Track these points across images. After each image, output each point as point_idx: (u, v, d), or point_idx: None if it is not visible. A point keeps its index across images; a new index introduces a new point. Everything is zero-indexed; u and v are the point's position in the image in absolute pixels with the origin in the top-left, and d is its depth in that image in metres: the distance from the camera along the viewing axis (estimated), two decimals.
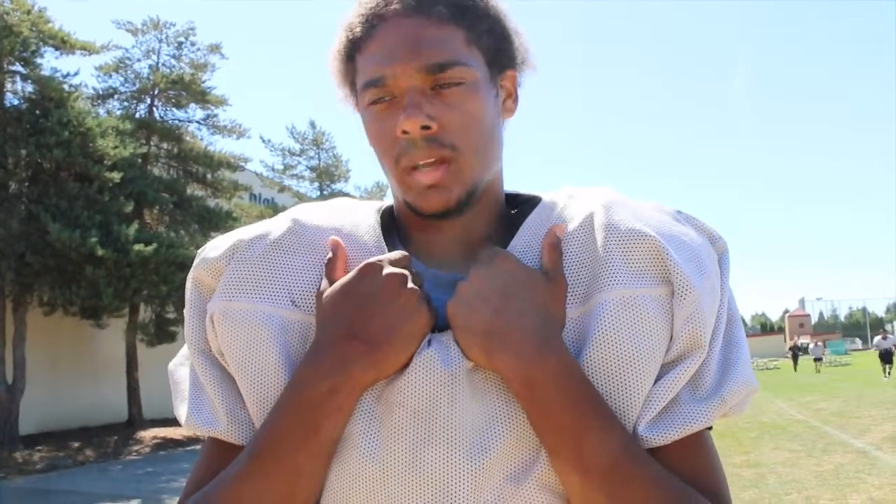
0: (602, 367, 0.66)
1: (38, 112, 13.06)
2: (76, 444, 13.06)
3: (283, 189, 22.89)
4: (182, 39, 17.65)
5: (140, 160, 15.91)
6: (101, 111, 16.27)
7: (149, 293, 14.31)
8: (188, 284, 0.77)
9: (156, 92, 17.37)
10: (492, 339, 0.64)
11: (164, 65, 17.54)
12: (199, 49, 17.85)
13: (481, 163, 0.73)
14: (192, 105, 17.92)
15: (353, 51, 0.74)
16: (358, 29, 0.73)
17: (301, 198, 22.36)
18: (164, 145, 17.68)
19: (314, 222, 0.77)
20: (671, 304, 0.68)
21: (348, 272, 0.70)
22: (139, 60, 17.42)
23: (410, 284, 0.67)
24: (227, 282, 0.73)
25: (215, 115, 18.25)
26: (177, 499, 0.73)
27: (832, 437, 9.47)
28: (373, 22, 0.72)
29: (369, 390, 0.67)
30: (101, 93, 17.14)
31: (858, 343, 73.42)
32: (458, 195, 0.71)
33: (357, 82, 0.74)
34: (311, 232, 0.76)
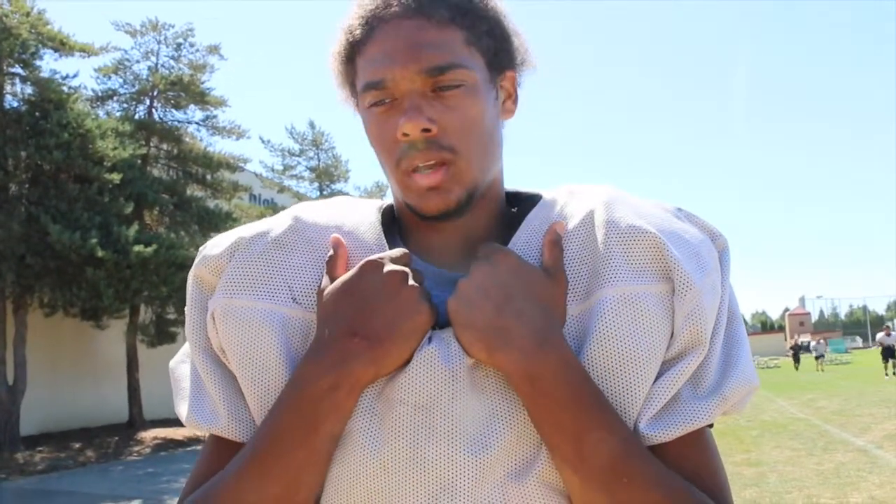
0: (603, 364, 0.66)
1: (37, 114, 13.04)
2: (77, 445, 13.05)
3: (282, 190, 22.90)
4: (181, 40, 17.65)
5: (140, 161, 15.90)
6: (101, 113, 16.28)
7: (149, 294, 14.31)
8: (189, 282, 0.77)
9: (155, 93, 17.36)
10: (493, 336, 0.64)
11: (163, 66, 17.54)
12: (197, 50, 17.85)
13: (481, 165, 0.73)
14: (192, 106, 17.91)
15: (352, 53, 0.74)
16: (358, 31, 0.73)
17: (301, 198, 22.36)
18: (164, 146, 17.68)
19: (315, 220, 0.77)
20: (672, 300, 0.68)
21: (349, 270, 0.70)
22: (138, 62, 17.42)
23: (411, 282, 0.68)
24: (228, 279, 0.73)
25: (214, 116, 18.25)
26: (177, 499, 0.73)
27: (833, 436, 9.47)
28: (372, 24, 0.72)
29: (370, 387, 0.67)
30: (100, 94, 17.15)
31: (859, 341, 73.42)
32: (458, 197, 0.72)
33: (357, 84, 0.75)
34: (313, 229, 0.76)
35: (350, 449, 0.66)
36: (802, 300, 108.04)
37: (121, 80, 17.34)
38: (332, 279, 0.71)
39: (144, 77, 17.33)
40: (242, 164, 19.03)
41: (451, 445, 0.64)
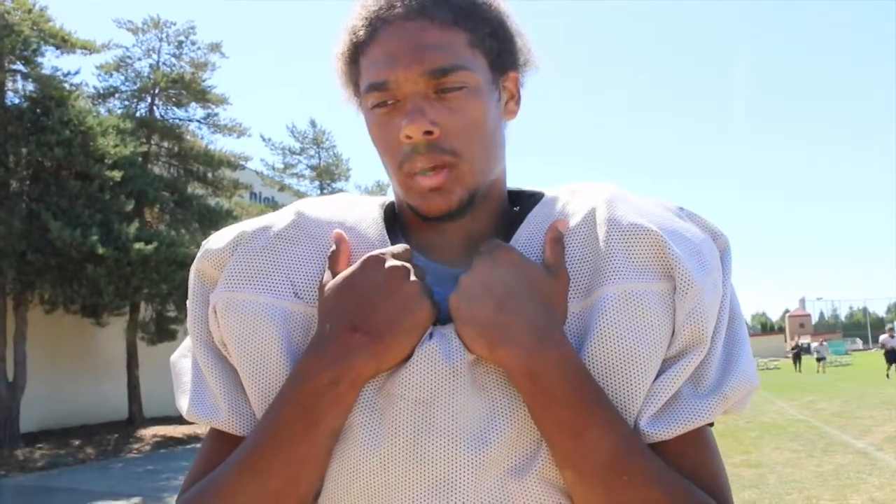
0: (603, 362, 0.66)
1: (39, 111, 13.06)
2: (77, 442, 13.06)
3: (283, 188, 22.91)
4: (182, 38, 17.67)
5: (140, 159, 15.91)
6: (102, 110, 16.28)
7: (149, 291, 14.31)
8: (191, 275, 0.78)
9: (156, 91, 17.37)
10: (494, 332, 0.64)
11: (164, 64, 17.55)
12: (199, 48, 17.87)
13: (483, 166, 0.73)
14: (193, 104, 17.93)
15: (356, 54, 0.75)
16: (361, 32, 0.73)
17: (301, 197, 22.24)
18: (165, 144, 17.68)
19: (318, 215, 0.78)
20: (673, 299, 0.68)
21: (351, 265, 0.70)
22: (140, 59, 17.44)
23: (413, 277, 0.68)
24: (230, 273, 0.73)
25: (216, 114, 18.28)
26: (177, 495, 0.73)
27: (833, 438, 9.47)
28: (376, 25, 0.72)
29: (371, 382, 0.67)
30: (101, 92, 17.15)
31: (859, 343, 73.38)
32: (460, 198, 0.72)
33: (360, 84, 0.75)
34: (315, 225, 0.76)
35: (350, 444, 0.66)
36: (803, 302, 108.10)
37: (122, 78, 17.37)
38: (334, 274, 0.71)
39: (146, 74, 17.35)
40: (243, 163, 19.04)
41: (451, 441, 0.64)
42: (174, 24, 17.52)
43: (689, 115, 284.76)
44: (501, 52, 0.75)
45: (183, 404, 0.76)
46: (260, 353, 0.70)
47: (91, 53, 15.12)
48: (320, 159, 23.56)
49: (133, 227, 13.33)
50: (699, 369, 0.69)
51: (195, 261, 0.77)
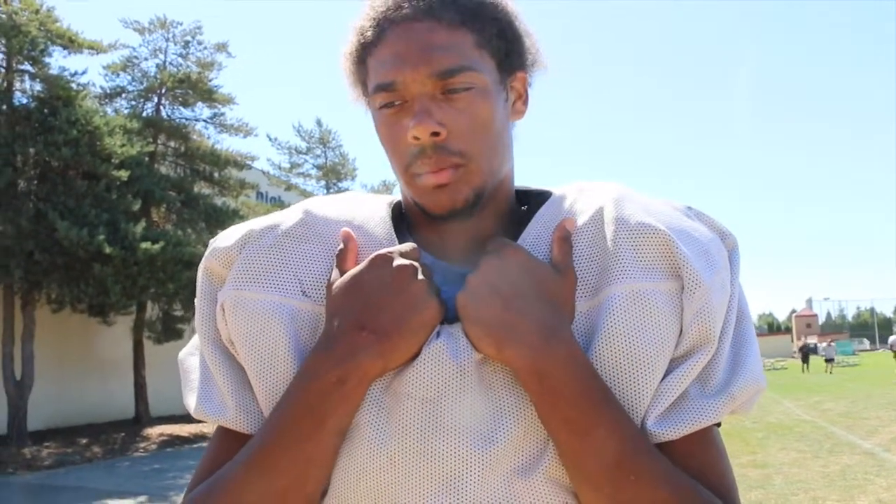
0: (611, 361, 0.66)
1: (46, 111, 13.09)
2: (84, 441, 13.11)
3: (289, 187, 22.91)
4: (189, 38, 17.68)
5: (147, 158, 15.94)
6: (109, 110, 16.30)
7: (156, 291, 14.34)
8: (199, 273, 0.78)
9: (163, 91, 17.41)
10: (501, 331, 0.64)
11: (171, 63, 17.58)
12: (205, 48, 17.88)
13: (490, 167, 0.73)
14: (199, 104, 17.94)
15: (364, 54, 0.75)
16: (369, 32, 0.73)
17: (308, 196, 22.24)
18: (172, 144, 17.72)
19: (326, 214, 0.78)
20: (681, 298, 0.68)
21: (359, 263, 0.70)
22: (146, 59, 17.46)
23: (420, 276, 0.68)
24: (237, 271, 0.73)
25: (222, 114, 18.29)
26: (184, 493, 0.74)
27: (839, 438, 9.43)
28: (383, 26, 0.72)
29: (378, 381, 0.67)
30: (108, 91, 17.18)
31: (866, 343, 73.09)
32: (466, 196, 0.72)
33: (368, 85, 0.75)
34: (323, 223, 0.76)
35: (357, 442, 0.66)
36: (810, 302, 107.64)
37: (129, 78, 17.39)
38: (342, 273, 0.71)
39: (152, 74, 17.38)
40: (250, 162, 19.06)
41: (458, 440, 0.64)
42: (181, 24, 17.55)
43: (691, 115, 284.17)
44: (509, 53, 0.75)
45: (191, 402, 0.76)
46: (268, 351, 0.70)
47: (98, 53, 15.16)
48: (326, 159, 23.57)
49: (140, 227, 13.36)
50: (706, 369, 0.69)
51: (203, 259, 0.78)
